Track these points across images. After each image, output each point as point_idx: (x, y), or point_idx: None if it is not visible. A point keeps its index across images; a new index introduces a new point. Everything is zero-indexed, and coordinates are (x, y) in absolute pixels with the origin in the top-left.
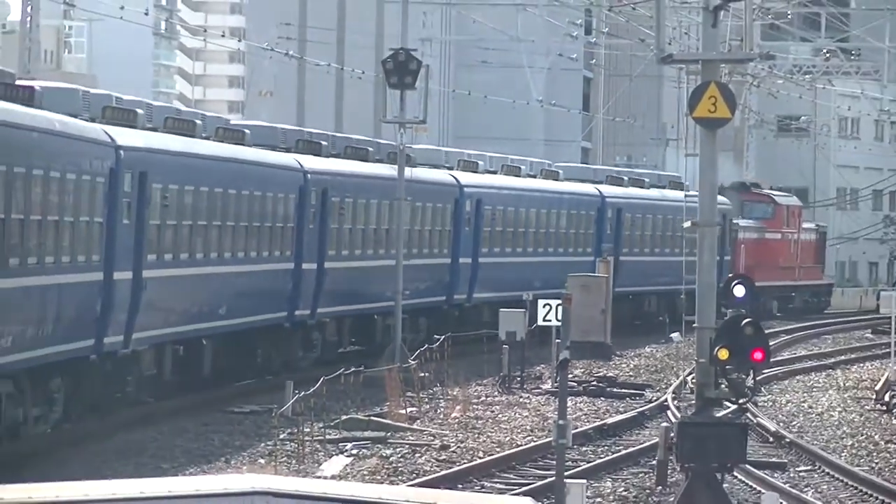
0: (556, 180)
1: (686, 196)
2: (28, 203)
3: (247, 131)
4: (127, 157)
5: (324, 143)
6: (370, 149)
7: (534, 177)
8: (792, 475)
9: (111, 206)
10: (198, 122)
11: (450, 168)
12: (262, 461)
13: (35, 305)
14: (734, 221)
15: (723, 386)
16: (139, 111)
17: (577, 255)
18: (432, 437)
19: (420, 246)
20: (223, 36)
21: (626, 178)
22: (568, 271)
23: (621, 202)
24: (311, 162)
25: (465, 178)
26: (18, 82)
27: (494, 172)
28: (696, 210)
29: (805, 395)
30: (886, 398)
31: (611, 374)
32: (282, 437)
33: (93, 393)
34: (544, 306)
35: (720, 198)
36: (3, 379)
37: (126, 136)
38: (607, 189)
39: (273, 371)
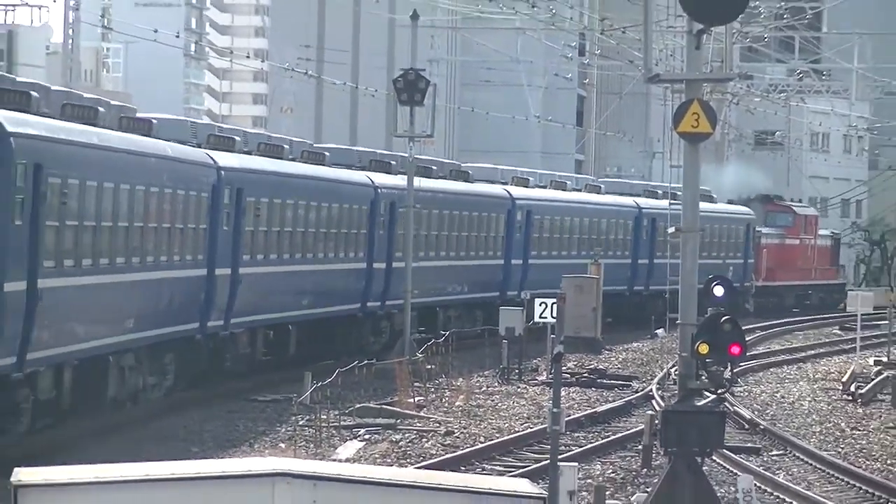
0: (599, 193)
1: (670, 204)
2: (147, 213)
3: (327, 153)
4: (226, 176)
5: (393, 162)
6: (434, 167)
7: (579, 190)
8: (765, 459)
9: (213, 215)
10: (285, 146)
11: (504, 183)
12: (282, 445)
13: (152, 295)
14: (758, 229)
15: (703, 377)
16: (237, 138)
17: (617, 258)
18: (438, 424)
19: (477, 249)
20: (248, 57)
21: (660, 191)
22: (608, 273)
23: (655, 213)
24: (381, 179)
25: (517, 191)
26: (139, 115)
27: (544, 187)
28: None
29: (778, 386)
30: (852, 389)
31: (601, 367)
32: (301, 423)
33: (198, 367)
34: (540, 304)
35: (744, 208)
36: (126, 353)
37: (225, 159)
38: (644, 201)
39: (348, 353)
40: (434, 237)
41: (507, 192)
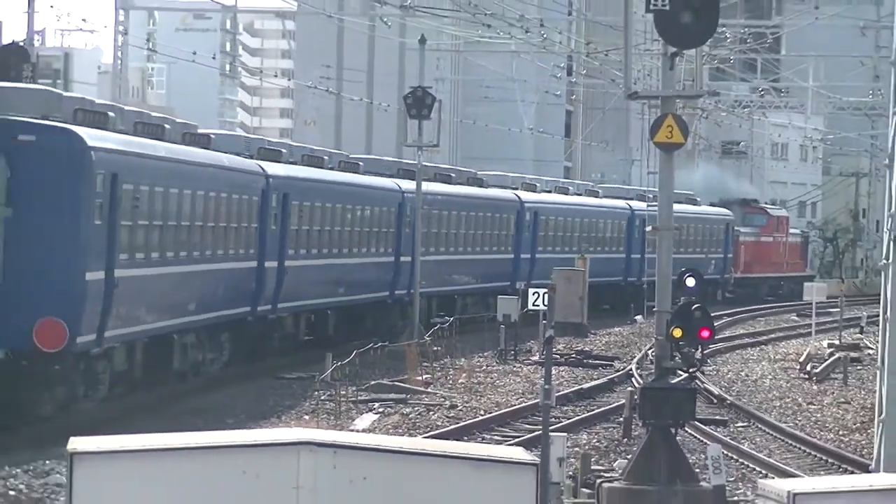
0: (597, 197)
1: (648, 206)
2: (207, 214)
3: (360, 163)
4: (274, 183)
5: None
6: (453, 175)
7: (579, 194)
8: (732, 430)
9: (262, 216)
10: (325, 157)
11: (514, 188)
12: (306, 417)
13: (211, 283)
14: (737, 228)
15: (676, 358)
16: (283, 150)
17: (613, 253)
18: (443, 399)
19: (490, 245)
20: (276, 76)
21: (650, 195)
22: (605, 265)
23: (646, 214)
24: (407, 185)
25: (525, 195)
26: (199, 131)
27: (549, 191)
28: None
29: (742, 365)
30: (808, 368)
31: (587, 349)
32: (322, 398)
33: (249, 344)
34: (533, 294)
35: (725, 210)
36: (188, 332)
37: (273, 168)
38: (636, 204)
39: (379, 335)
40: (453, 235)
41: (517, 195)
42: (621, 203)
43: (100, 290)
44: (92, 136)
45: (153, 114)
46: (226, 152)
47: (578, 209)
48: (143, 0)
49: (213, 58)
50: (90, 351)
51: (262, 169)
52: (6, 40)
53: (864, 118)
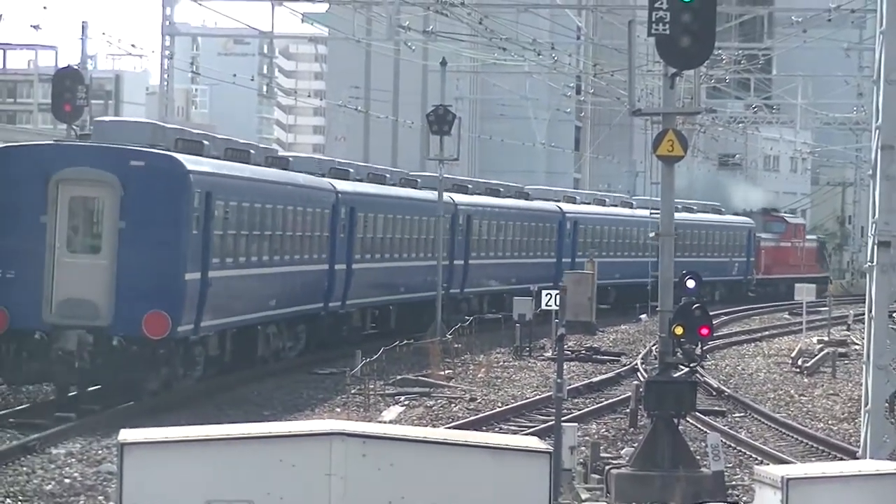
0: (631, 208)
1: (651, 213)
2: (285, 224)
3: (419, 180)
4: (342, 198)
5: (469, 185)
6: (501, 189)
7: (615, 206)
8: (729, 420)
9: (333, 226)
10: (387, 175)
11: (557, 201)
12: (338, 410)
13: (289, 282)
14: (757, 234)
15: (678, 353)
16: (351, 170)
17: (642, 258)
18: (464, 392)
19: (535, 250)
20: (309, 96)
21: (679, 206)
22: (636, 269)
23: (676, 222)
24: (459, 198)
25: (566, 206)
26: (279, 154)
27: (588, 203)
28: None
29: (739, 360)
30: (799, 363)
31: (596, 345)
32: (353, 392)
33: (322, 335)
34: (546, 295)
35: (747, 218)
36: (270, 324)
37: (342, 185)
38: None
39: (434, 328)
40: (502, 241)
41: (559, 207)
42: (653, 213)
43: (196, 288)
44: (190, 161)
45: (241, 140)
46: (301, 172)
47: (613, 218)
48: (187, 27)
49: (252, 79)
50: (189, 338)
51: (333, 186)
52: (62, 64)
53: (849, 132)
